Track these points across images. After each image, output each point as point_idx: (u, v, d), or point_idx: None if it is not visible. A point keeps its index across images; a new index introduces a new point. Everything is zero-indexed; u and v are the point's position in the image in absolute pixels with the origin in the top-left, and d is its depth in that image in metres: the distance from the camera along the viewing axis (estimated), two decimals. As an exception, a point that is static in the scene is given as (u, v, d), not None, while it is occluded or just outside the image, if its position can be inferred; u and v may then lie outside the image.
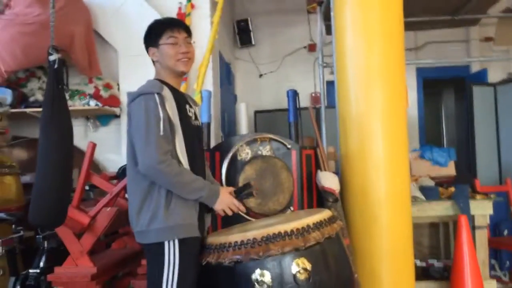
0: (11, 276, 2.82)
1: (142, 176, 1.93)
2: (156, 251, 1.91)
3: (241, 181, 2.70)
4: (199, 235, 1.98)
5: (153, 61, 2.12)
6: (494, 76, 5.59)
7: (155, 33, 2.07)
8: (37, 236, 2.75)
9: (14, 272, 2.85)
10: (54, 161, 2.03)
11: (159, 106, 1.90)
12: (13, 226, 2.96)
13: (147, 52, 2.12)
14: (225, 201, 2.01)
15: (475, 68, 5.86)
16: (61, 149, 2.06)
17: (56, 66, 2.07)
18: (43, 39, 3.50)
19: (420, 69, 5.97)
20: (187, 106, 2.11)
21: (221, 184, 2.74)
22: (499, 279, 3.84)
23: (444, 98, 8.08)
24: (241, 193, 2.10)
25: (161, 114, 1.90)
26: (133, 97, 1.96)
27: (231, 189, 2.12)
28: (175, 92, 2.05)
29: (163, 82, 2.03)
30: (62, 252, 2.60)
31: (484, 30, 5.86)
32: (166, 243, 1.90)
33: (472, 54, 5.81)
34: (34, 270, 2.80)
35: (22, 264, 3.10)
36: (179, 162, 1.94)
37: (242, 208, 2.10)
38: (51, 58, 2.08)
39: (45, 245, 2.80)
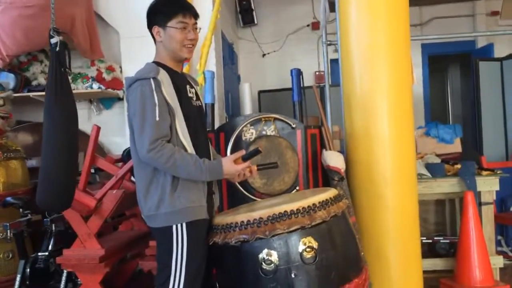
0: (20, 259, 2.85)
1: None
2: (164, 234, 1.92)
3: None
4: (207, 217, 1.98)
5: (155, 40, 2.06)
6: (500, 51, 5.52)
7: (165, 14, 2.00)
8: (45, 220, 2.77)
9: (23, 255, 2.88)
10: (59, 144, 2.02)
11: (154, 91, 1.88)
12: (21, 209, 2.98)
13: (150, 29, 2.05)
14: (231, 171, 1.96)
15: (481, 43, 5.78)
16: (66, 132, 2.04)
17: (57, 48, 2.04)
18: (44, 22, 3.47)
19: (425, 45, 5.89)
20: (188, 87, 2.08)
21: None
22: (505, 255, 3.84)
23: (450, 74, 8.00)
24: (248, 155, 2.01)
25: (156, 100, 1.87)
26: (130, 82, 1.94)
27: (233, 157, 1.99)
28: (174, 74, 2.01)
29: (161, 65, 1.99)
30: (70, 235, 2.62)
31: (490, 4, 5.76)
32: (173, 227, 1.90)
33: (478, 28, 5.73)
34: (43, 253, 2.83)
35: (31, 247, 3.14)
36: (182, 144, 1.92)
37: (253, 169, 2.03)
38: (53, 40, 2.05)
39: (53, 228, 2.82)
